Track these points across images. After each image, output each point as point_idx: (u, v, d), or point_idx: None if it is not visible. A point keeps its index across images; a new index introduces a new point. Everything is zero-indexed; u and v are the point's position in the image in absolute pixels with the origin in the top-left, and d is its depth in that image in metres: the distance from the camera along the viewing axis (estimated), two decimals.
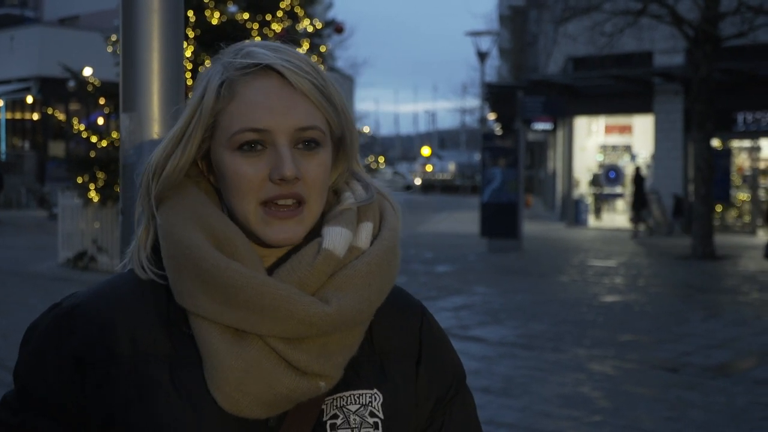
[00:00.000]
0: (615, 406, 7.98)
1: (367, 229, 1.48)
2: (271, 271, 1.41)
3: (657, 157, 29.82)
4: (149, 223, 1.48)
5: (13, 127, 42.93)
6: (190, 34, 15.48)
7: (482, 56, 41.93)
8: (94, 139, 16.79)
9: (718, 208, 27.01)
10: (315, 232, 1.45)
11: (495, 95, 40.55)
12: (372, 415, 1.47)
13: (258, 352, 1.37)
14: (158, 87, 2.42)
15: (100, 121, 26.01)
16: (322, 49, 17.66)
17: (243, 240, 1.40)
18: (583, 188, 33.36)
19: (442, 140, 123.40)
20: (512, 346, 10.67)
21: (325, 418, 1.45)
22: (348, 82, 55.26)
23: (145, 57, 2.42)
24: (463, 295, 14.82)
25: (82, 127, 17.15)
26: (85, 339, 1.43)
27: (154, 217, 1.46)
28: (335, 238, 1.42)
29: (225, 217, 1.43)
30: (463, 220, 34.15)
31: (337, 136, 1.49)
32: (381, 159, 22.21)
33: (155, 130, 2.40)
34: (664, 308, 13.78)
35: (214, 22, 15.86)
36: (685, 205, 26.11)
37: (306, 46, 16.77)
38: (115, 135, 16.83)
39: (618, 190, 32.62)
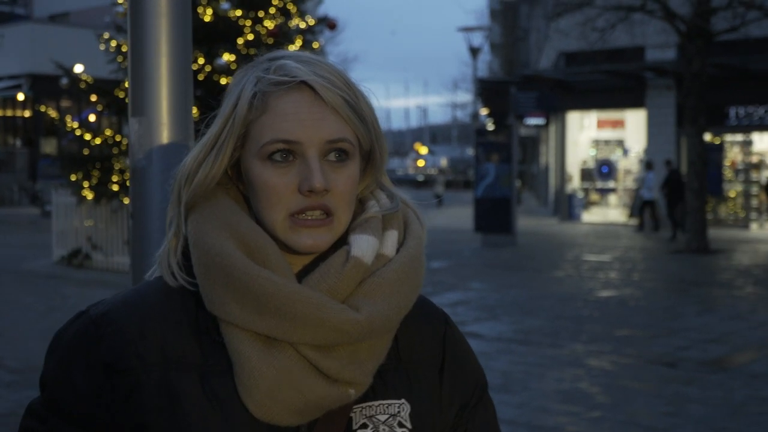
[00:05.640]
0: (613, 401, 8.00)
1: (392, 237, 1.49)
2: (299, 278, 1.42)
3: (649, 151, 29.85)
4: (179, 229, 1.48)
5: (4, 124, 42.83)
6: None
7: (474, 52, 41.95)
8: (87, 136, 16.75)
9: (712, 202, 27.07)
10: (341, 240, 1.46)
11: (487, 90, 40.58)
12: (400, 425, 1.48)
13: (289, 359, 1.38)
14: (167, 91, 2.41)
15: (92, 118, 25.94)
16: (315, 45, 17.60)
17: (274, 248, 1.41)
18: (576, 183, 33.41)
19: (434, 135, 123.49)
20: (509, 341, 10.69)
21: (354, 427, 1.45)
22: None
23: (154, 61, 2.41)
24: (458, 291, 14.84)
25: (75, 124, 17.10)
26: (114, 347, 1.43)
27: (185, 223, 1.47)
28: (363, 246, 1.43)
29: (255, 226, 1.43)
30: (456, 216, 34.16)
31: (366, 150, 1.50)
32: None
33: (164, 134, 2.40)
34: (660, 303, 13.81)
35: (207, 19, 15.81)
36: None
37: (299, 42, 16.74)
38: (108, 132, 16.80)
39: (611, 184, 32.69)
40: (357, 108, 1.44)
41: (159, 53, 2.41)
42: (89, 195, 16.77)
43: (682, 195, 24.55)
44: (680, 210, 24.51)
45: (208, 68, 15.64)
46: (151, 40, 2.41)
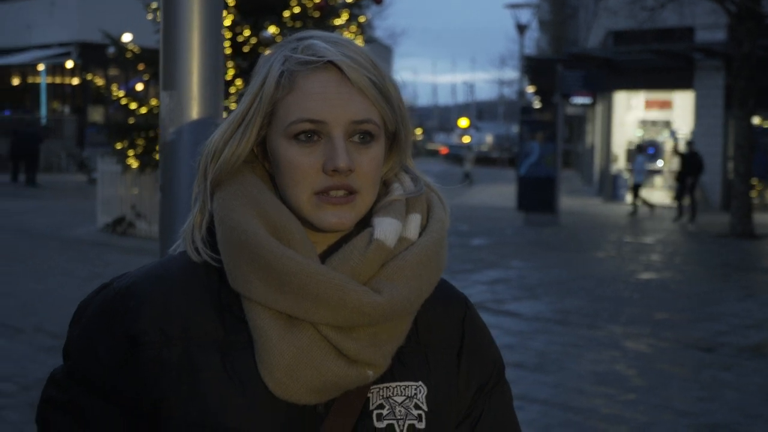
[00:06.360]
0: (649, 384, 7.97)
1: (415, 221, 1.50)
2: (322, 258, 1.44)
3: (697, 133, 29.51)
4: (204, 205, 1.50)
5: (54, 91, 43.22)
6: (230, 2, 15.47)
7: (521, 29, 41.67)
8: (133, 105, 16.87)
9: (758, 186, 26.74)
10: (364, 222, 1.48)
11: (534, 68, 40.30)
12: (417, 407, 1.49)
13: (309, 339, 1.40)
14: (198, 65, 2.42)
15: (139, 87, 26.09)
16: (361, 19, 17.54)
17: (298, 228, 1.43)
18: (621, 163, 33.12)
19: (480, 112, 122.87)
20: (547, 321, 10.66)
21: (371, 408, 1.47)
22: (386, 52, 55.01)
23: (186, 36, 2.42)
24: (498, 269, 14.80)
25: (121, 93, 17.23)
26: (138, 320, 1.45)
27: (210, 199, 1.49)
28: (386, 229, 1.45)
29: (281, 204, 1.45)
30: (499, 194, 34.04)
31: (391, 131, 1.51)
32: (419, 130, 22.12)
33: (195, 109, 2.41)
34: (701, 287, 13.70)
35: None
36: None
37: (345, 16, 16.69)
38: (154, 102, 16.90)
39: (657, 166, 32.37)
40: (383, 89, 1.46)
41: (191, 28, 2.42)
42: (134, 163, 16.91)
43: (697, 177, 24.26)
44: (694, 193, 24.34)
45: (253, 40, 15.65)
46: (184, 15, 2.42)
